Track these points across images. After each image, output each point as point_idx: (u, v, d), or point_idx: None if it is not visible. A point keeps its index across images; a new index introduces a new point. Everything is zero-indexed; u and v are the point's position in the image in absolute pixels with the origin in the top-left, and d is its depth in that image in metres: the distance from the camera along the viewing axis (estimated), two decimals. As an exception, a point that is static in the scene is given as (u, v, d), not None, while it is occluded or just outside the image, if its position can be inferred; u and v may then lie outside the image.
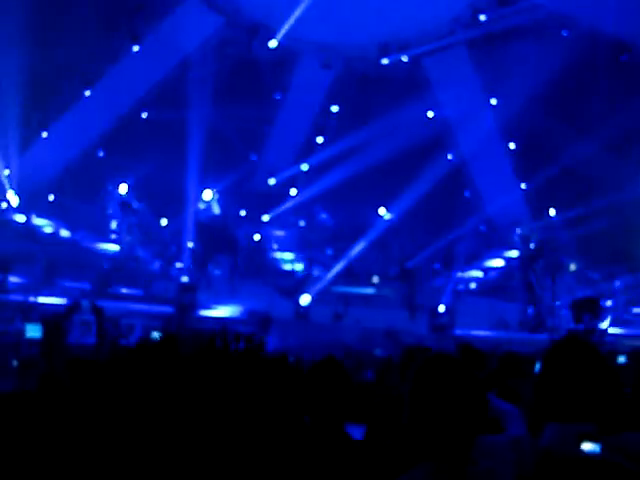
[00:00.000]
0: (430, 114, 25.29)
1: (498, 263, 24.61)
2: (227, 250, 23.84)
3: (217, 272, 22.88)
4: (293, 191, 26.86)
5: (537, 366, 2.84)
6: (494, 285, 22.14)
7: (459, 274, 22.86)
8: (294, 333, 16.41)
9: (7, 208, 22.02)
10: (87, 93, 22.61)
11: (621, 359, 8.78)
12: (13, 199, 21.95)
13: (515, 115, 22.79)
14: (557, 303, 16.84)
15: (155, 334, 9.19)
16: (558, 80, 20.48)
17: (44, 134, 22.50)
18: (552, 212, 24.03)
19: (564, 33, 21.61)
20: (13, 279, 14.93)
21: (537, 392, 2.90)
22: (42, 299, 13.96)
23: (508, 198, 24.58)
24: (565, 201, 22.86)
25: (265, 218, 26.50)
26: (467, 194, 25.77)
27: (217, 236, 24.35)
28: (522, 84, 21.49)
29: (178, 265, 22.22)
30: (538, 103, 21.57)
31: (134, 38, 22.17)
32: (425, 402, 2.51)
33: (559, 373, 2.77)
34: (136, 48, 22.27)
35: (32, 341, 8.80)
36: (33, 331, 7.02)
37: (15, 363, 7.48)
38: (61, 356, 3.22)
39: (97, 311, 4.96)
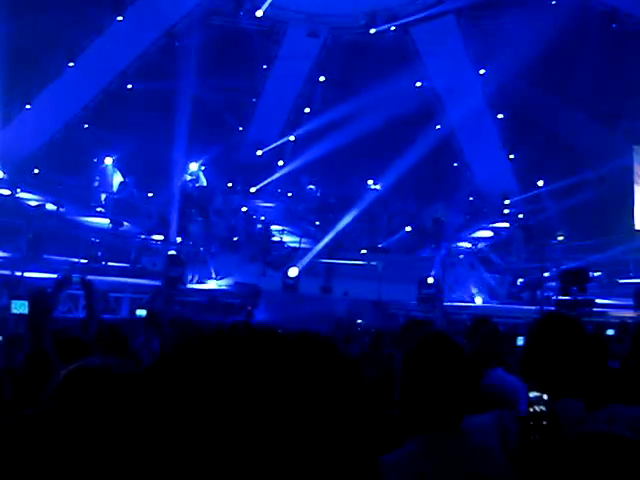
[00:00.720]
0: (418, 84, 25.15)
1: (487, 234, 24.65)
2: (216, 223, 23.76)
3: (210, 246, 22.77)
4: (280, 162, 26.74)
5: (520, 340, 2.87)
6: (482, 256, 22.15)
7: (448, 245, 22.86)
8: (282, 305, 16.42)
9: (-9, 182, 21.82)
10: (71, 64, 22.28)
11: (609, 332, 8.84)
12: (-3, 173, 21.75)
13: (503, 85, 22.71)
14: (545, 275, 16.88)
15: (140, 312, 9.12)
16: (547, 49, 20.32)
17: (27, 107, 22.20)
18: (540, 183, 24.05)
19: (553, 1, 21.43)
20: (-1, 254, 14.81)
21: (523, 368, 2.89)
22: (29, 274, 13.84)
23: (496, 169, 24.59)
24: (553, 172, 22.85)
25: (252, 190, 26.39)
26: (456, 165, 25.74)
27: (204, 208, 24.25)
28: (511, 54, 21.31)
29: (161, 237, 22.08)
30: (527, 73, 21.45)
31: (118, 9, 21.82)
32: (418, 381, 2.48)
33: (544, 349, 2.76)
34: (120, 18, 21.94)
35: (19, 317, 8.72)
36: (19, 307, 6.93)
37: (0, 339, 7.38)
38: (48, 333, 3.18)
39: (86, 285, 4.88)
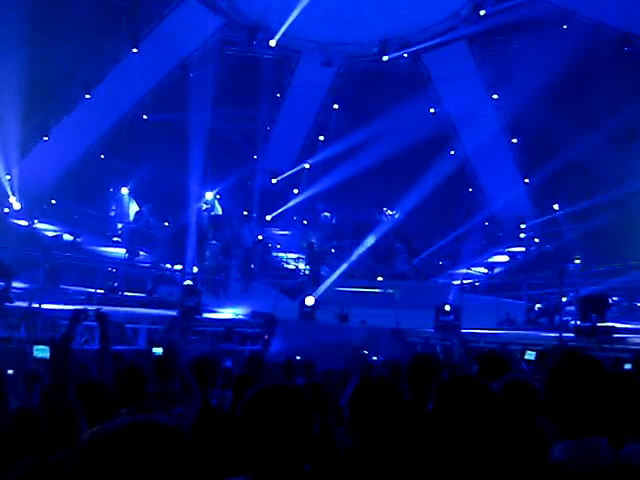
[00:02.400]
0: (432, 110, 25.22)
1: (503, 259, 24.56)
2: (233, 251, 23.80)
3: (222, 274, 22.82)
4: (295, 190, 26.82)
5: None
6: (499, 282, 22.04)
7: (464, 271, 22.79)
8: (299, 334, 16.35)
9: (9, 213, 21.99)
10: (87, 96, 22.50)
11: (627, 366, 8.78)
12: (15, 204, 21.91)
13: (517, 110, 22.70)
14: (563, 300, 16.72)
15: (157, 350, 9.08)
16: (560, 74, 20.33)
17: (45, 138, 22.42)
18: (556, 207, 23.97)
19: (565, 26, 21.45)
20: (17, 285, 14.82)
21: (545, 410, 2.88)
22: (46, 305, 13.85)
23: (512, 193, 24.53)
24: (569, 196, 22.78)
25: (268, 218, 26.47)
26: (470, 190, 25.72)
27: (221, 237, 24.34)
28: (524, 79, 21.37)
29: (181, 267, 22.15)
30: (540, 97, 21.45)
31: (133, 41, 22.06)
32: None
33: (564, 392, 2.75)
34: (135, 50, 22.16)
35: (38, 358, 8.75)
36: (41, 351, 6.96)
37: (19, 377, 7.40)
38: (70, 378, 3.19)
39: (100, 318, 4.91)
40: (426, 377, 4.57)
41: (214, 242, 24.06)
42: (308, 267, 22.84)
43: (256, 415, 2.51)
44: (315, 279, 21.74)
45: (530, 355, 10.46)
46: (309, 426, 2.55)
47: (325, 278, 21.44)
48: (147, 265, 21.96)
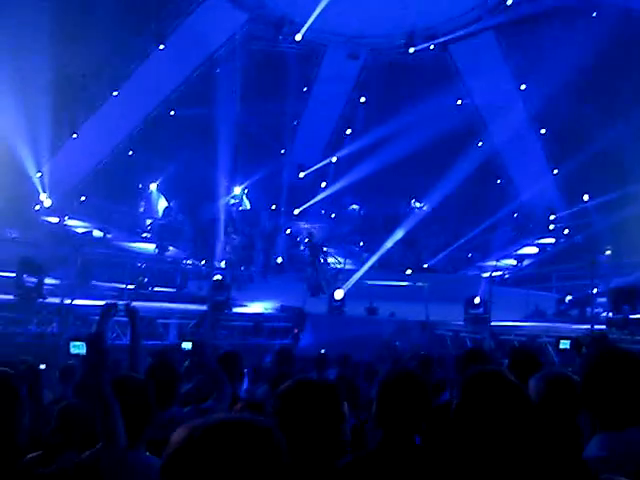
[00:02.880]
0: (459, 102, 25.05)
1: (532, 250, 24.38)
2: (261, 245, 23.89)
3: (251, 268, 22.93)
4: (323, 184, 26.82)
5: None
6: (529, 274, 21.88)
7: (494, 263, 22.65)
8: (328, 328, 16.35)
9: (40, 210, 22.23)
10: (115, 93, 22.67)
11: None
12: (46, 201, 22.15)
13: (546, 100, 22.45)
14: (594, 291, 16.54)
15: (186, 344, 9.10)
16: (589, 62, 20.08)
17: (74, 135, 22.63)
18: (586, 197, 23.73)
19: (594, 14, 21.18)
20: (49, 281, 14.98)
21: (583, 405, 2.87)
22: (78, 301, 14.00)
23: (541, 185, 24.31)
24: (599, 186, 22.51)
25: (296, 212, 26.51)
26: (499, 181, 25.54)
27: (248, 231, 24.42)
28: (552, 68, 21.15)
29: (210, 263, 22.27)
30: (569, 87, 21.21)
31: (159, 37, 22.19)
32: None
33: (603, 388, 2.75)
34: (162, 47, 22.29)
35: (68, 342, 8.85)
36: (77, 348, 7.04)
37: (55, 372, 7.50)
38: (106, 374, 3.23)
39: (131, 312, 4.94)
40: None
41: (242, 237, 24.13)
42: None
43: (289, 409, 2.52)
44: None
45: (565, 344, 10.38)
46: (342, 421, 2.56)
47: (354, 271, 21.43)
48: (176, 260, 22.10)
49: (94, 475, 3.18)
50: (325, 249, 22.06)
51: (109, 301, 5.03)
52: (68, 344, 8.47)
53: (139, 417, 3.45)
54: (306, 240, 22.92)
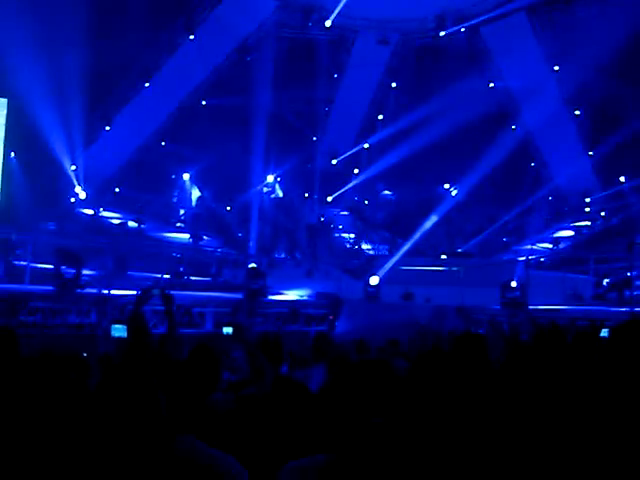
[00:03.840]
0: (491, 85, 24.77)
1: (568, 234, 24.12)
2: (295, 233, 23.94)
3: (285, 256, 22.99)
4: (356, 170, 26.75)
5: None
6: (565, 257, 21.65)
7: (529, 247, 22.44)
8: (364, 314, 16.34)
9: (76, 202, 22.49)
10: (146, 85, 22.82)
11: None
12: (81, 193, 22.39)
13: (580, 81, 22.12)
14: (634, 274, 16.34)
15: (227, 329, 9.01)
16: (623, 42, 19.75)
17: (107, 128, 22.83)
18: (622, 179, 23.41)
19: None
20: (86, 272, 15.17)
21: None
22: (115, 291, 14.18)
23: (576, 167, 23.98)
24: (635, 167, 22.18)
25: (329, 199, 26.48)
26: (533, 165, 25.25)
27: (282, 219, 24.48)
28: (586, 49, 20.80)
29: (244, 251, 22.38)
30: (603, 67, 20.89)
31: (189, 28, 22.27)
32: None
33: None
34: (192, 37, 22.36)
35: (110, 338, 8.93)
36: (118, 331, 7.05)
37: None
38: (147, 355, 3.23)
39: (166, 299, 4.94)
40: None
41: (275, 225, 24.20)
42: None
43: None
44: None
45: (604, 333, 10.20)
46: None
47: (388, 257, 21.38)
48: (211, 249, 22.23)
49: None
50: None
51: (144, 291, 5.06)
52: (108, 330, 8.53)
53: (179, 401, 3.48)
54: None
